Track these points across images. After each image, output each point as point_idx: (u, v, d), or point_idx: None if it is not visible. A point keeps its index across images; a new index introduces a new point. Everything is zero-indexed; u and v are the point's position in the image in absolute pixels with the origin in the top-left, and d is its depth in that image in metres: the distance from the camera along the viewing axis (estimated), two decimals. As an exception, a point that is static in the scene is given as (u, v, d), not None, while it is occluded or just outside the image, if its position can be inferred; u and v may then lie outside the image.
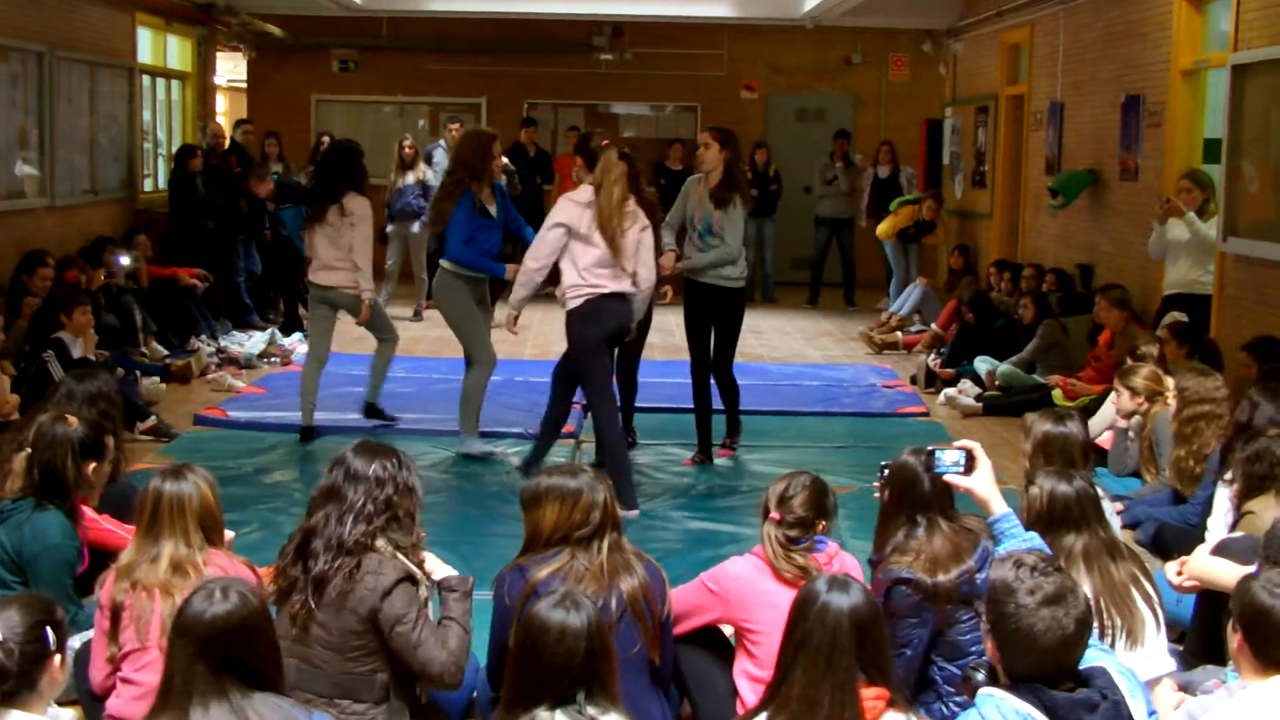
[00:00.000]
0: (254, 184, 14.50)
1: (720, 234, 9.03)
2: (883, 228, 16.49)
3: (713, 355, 9.36)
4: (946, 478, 4.53)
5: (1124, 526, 7.05)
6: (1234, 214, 10.10)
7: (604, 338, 8.34)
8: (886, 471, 4.94)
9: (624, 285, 8.30)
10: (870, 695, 3.69)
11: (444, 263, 9.37)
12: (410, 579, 4.55)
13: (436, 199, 9.59)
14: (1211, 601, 5.25)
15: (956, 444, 4.55)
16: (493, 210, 9.34)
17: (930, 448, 4.59)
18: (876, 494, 5.07)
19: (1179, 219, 10.39)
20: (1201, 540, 6.03)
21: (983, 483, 4.49)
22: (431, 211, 9.64)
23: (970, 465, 4.50)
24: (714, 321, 9.32)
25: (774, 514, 4.82)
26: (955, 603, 4.56)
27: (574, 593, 3.89)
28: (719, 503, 8.57)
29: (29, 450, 5.43)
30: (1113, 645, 4.63)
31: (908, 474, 4.72)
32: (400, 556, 4.56)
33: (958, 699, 4.50)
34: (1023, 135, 15.45)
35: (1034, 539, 4.36)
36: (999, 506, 4.48)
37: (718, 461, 9.44)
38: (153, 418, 9.79)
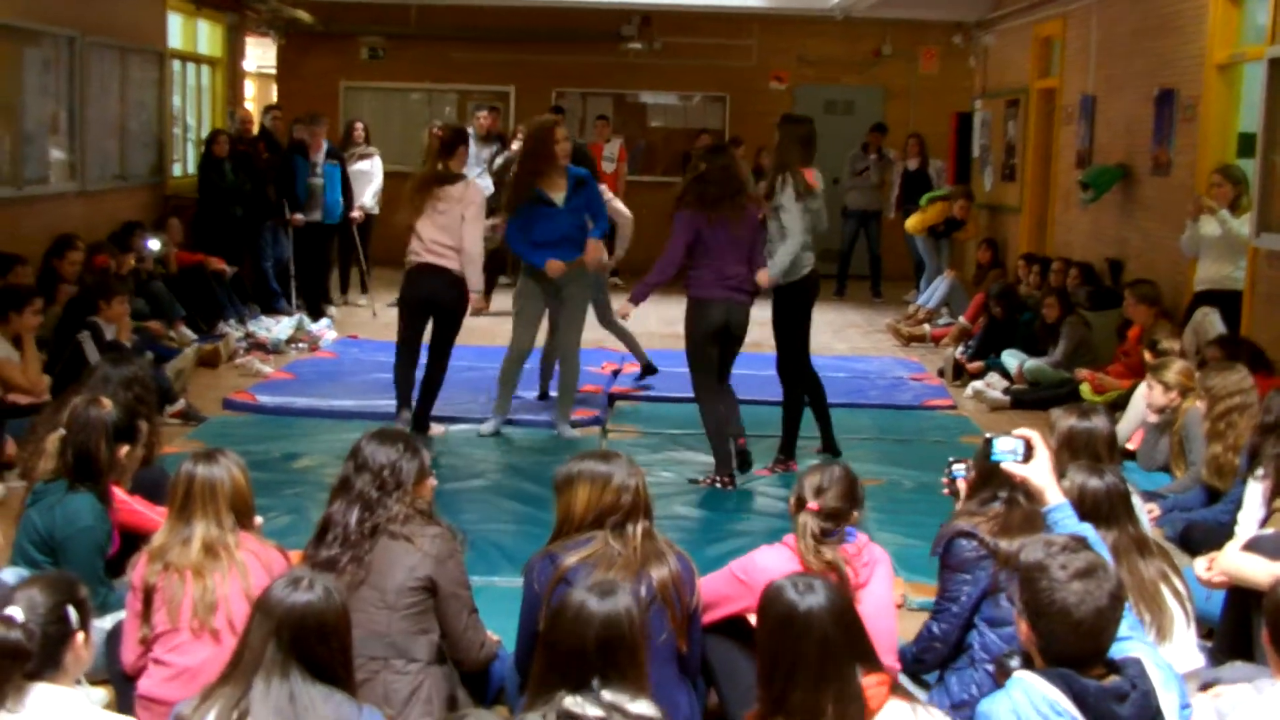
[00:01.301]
0: (314, 131, 14.58)
1: (780, 234, 8.70)
2: (912, 223, 16.45)
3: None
4: (1003, 466, 4.52)
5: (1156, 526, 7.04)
6: (1268, 209, 10.03)
7: (414, 301, 9.57)
8: (956, 465, 5.00)
9: (435, 259, 9.34)
10: (872, 682, 3.68)
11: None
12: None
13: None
14: (1241, 598, 5.23)
15: (1015, 432, 4.54)
16: (557, 198, 9.45)
17: (988, 435, 4.60)
18: (945, 490, 5.09)
19: (1211, 216, 10.34)
20: (1231, 537, 6.01)
21: (1040, 472, 4.48)
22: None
23: (1028, 454, 4.49)
24: (778, 319, 9.01)
25: (812, 504, 4.82)
26: (1013, 569, 4.57)
27: (610, 581, 3.91)
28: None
29: (62, 432, 5.46)
30: (1142, 640, 4.63)
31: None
32: (448, 527, 4.79)
33: (990, 668, 4.52)
34: (1053, 129, 15.39)
35: (1087, 529, 4.34)
36: (1054, 496, 4.46)
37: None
38: (181, 401, 9.83)
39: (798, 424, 9.11)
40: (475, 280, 9.47)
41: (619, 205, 11.27)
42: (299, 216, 14.54)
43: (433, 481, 4.92)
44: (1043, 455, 4.48)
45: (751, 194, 8.66)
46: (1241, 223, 10.24)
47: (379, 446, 4.80)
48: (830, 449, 9.19)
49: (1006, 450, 4.51)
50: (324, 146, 14.62)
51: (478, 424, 9.92)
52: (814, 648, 3.64)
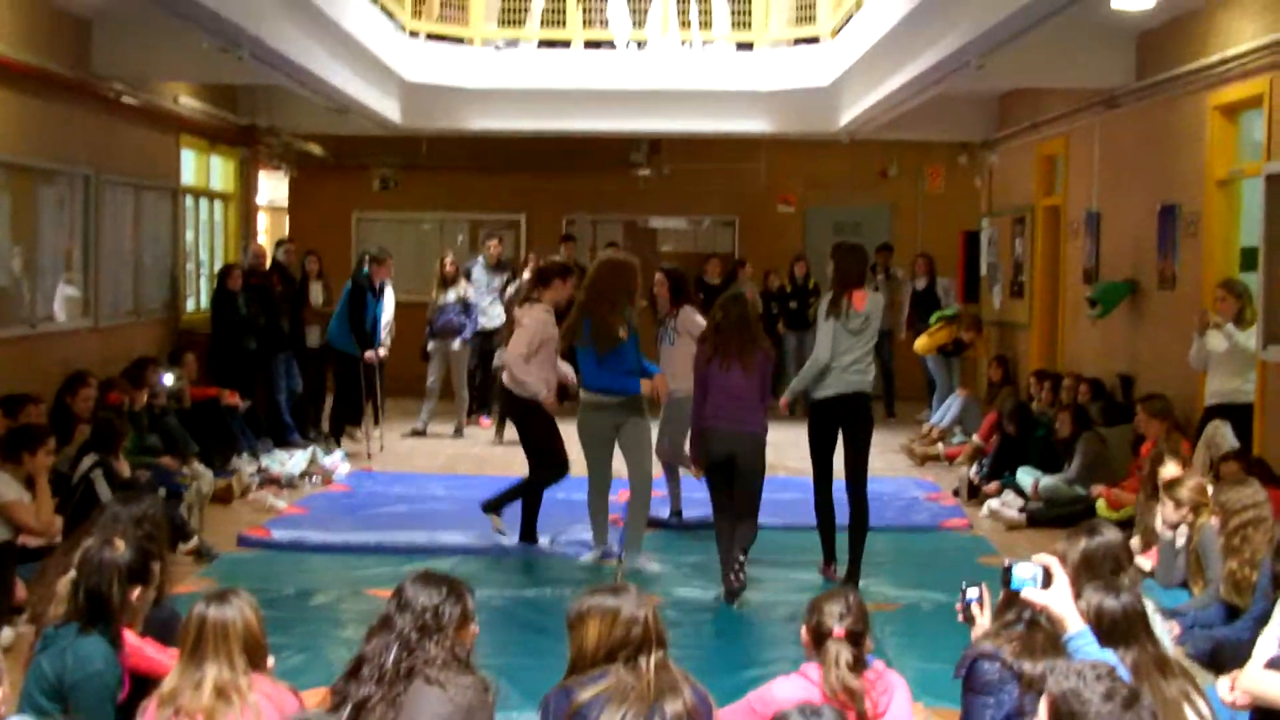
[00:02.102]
0: (383, 267, 15.00)
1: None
2: (920, 344, 16.50)
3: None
4: (1023, 593, 4.50)
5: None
6: (1274, 322, 10.06)
7: None
8: (969, 589, 4.97)
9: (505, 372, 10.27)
10: None
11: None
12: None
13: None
14: (1265, 718, 5.17)
15: (1034, 559, 4.53)
16: (623, 333, 9.77)
17: (1007, 562, 4.58)
18: (960, 616, 5.05)
19: (1217, 330, 10.38)
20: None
21: (1059, 599, 4.45)
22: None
23: (1047, 580, 4.47)
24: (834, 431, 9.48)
25: (838, 630, 4.78)
26: (1036, 692, 4.53)
27: None
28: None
29: (74, 575, 5.42)
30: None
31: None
32: (482, 678, 4.65)
33: None
34: (1060, 245, 15.48)
35: (1108, 655, 4.31)
36: (1075, 624, 4.43)
37: (757, 577, 9.41)
38: (195, 539, 9.82)
39: (830, 532, 9.52)
40: (533, 387, 9.95)
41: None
42: (371, 354, 14.74)
43: (475, 629, 4.81)
44: (1062, 581, 4.46)
45: (761, 343, 9.17)
46: (1248, 336, 10.27)
47: (423, 588, 4.73)
48: (853, 577, 9.22)
49: (1026, 577, 4.49)
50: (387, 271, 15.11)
51: (484, 554, 9.97)
52: None
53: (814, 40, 16.44)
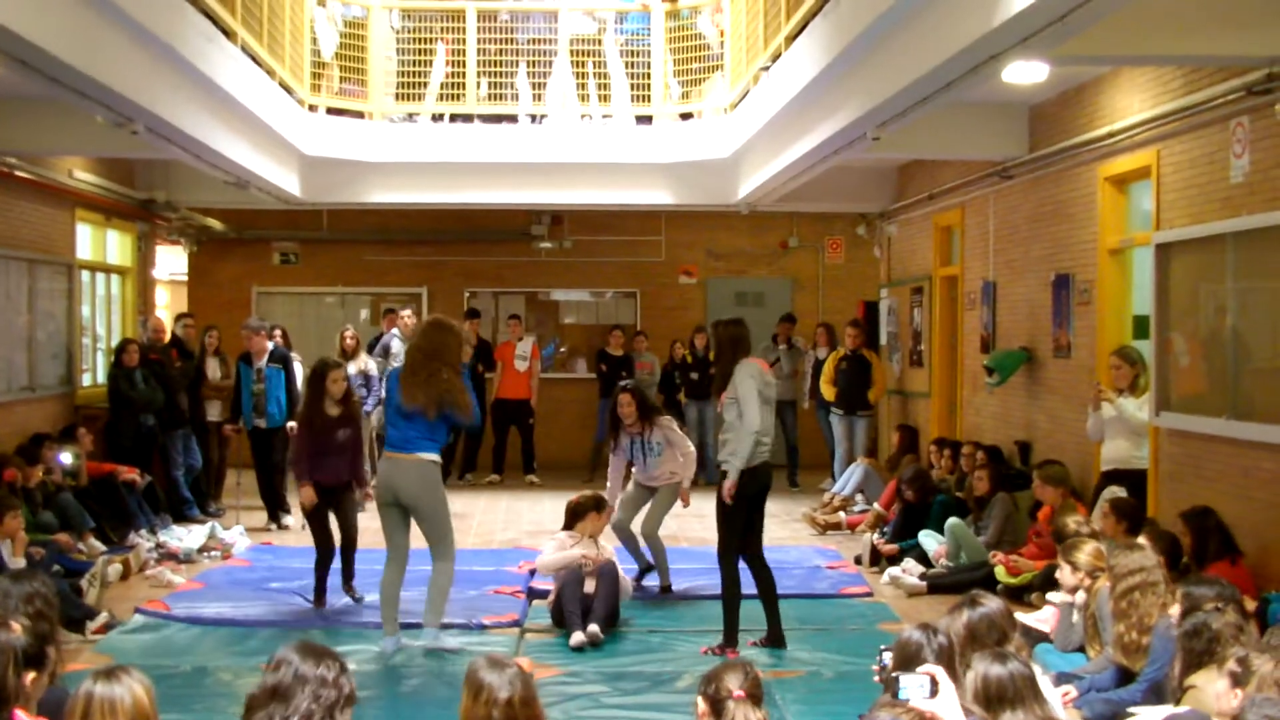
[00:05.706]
0: (252, 336, 14.71)
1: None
2: (824, 387, 16.76)
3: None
4: (912, 704, 4.53)
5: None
6: (1165, 389, 10.24)
7: None
8: (886, 652, 5.00)
9: None
10: None
11: (434, 456, 9.33)
12: None
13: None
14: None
15: (921, 670, 4.58)
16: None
17: (895, 674, 4.63)
18: (876, 677, 5.08)
19: (1108, 402, 10.56)
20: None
21: (948, 707, 4.50)
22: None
23: (934, 689, 4.52)
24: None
25: (738, 693, 4.77)
26: None
27: None
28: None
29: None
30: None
31: (911, 648, 4.88)
32: None
33: None
34: (957, 315, 15.67)
35: None
36: None
37: (656, 640, 9.48)
38: (103, 615, 9.67)
39: (738, 608, 9.47)
40: None
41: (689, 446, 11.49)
42: (229, 427, 14.85)
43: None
44: (948, 690, 4.50)
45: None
46: (1138, 404, 10.44)
47: (305, 659, 4.62)
48: (779, 640, 9.44)
49: (915, 687, 4.54)
50: (268, 350, 14.69)
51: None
52: None
53: (693, 115, 16.66)
